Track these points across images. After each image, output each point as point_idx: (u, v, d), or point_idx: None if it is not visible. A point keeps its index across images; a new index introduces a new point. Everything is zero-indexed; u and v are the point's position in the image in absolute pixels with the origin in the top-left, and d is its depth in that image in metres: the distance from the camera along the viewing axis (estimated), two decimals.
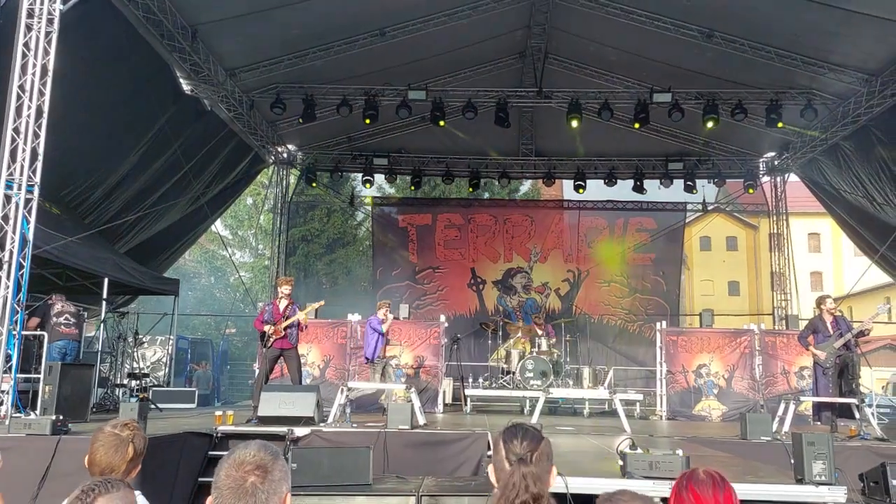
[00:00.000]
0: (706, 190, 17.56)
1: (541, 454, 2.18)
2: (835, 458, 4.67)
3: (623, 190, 17.47)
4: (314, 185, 17.56)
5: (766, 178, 17.18)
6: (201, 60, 11.45)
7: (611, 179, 16.88)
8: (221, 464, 1.65)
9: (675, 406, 12.11)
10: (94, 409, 9.30)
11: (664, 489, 3.59)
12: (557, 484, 4.68)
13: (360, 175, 17.51)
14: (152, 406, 10.56)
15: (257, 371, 10.29)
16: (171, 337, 14.21)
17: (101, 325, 11.44)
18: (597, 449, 6.99)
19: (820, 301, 9.48)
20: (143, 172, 11.81)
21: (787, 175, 16.88)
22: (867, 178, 12.97)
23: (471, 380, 13.35)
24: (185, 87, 11.90)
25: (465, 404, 12.22)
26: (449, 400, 12.96)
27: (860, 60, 11.59)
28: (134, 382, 12.12)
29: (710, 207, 18.86)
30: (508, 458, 2.17)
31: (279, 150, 16.54)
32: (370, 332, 10.29)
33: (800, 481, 4.52)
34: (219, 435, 7.68)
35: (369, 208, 19.47)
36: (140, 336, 13.30)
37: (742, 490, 4.29)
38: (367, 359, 10.35)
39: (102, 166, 11.07)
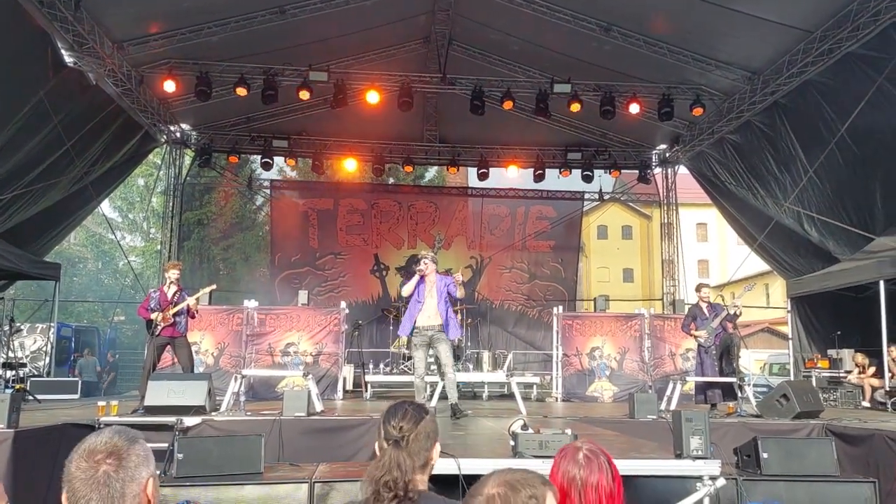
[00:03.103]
0: (603, 180, 18.16)
1: (418, 434, 2.17)
2: (712, 434, 4.92)
3: (525, 179, 17.83)
4: (210, 166, 16.89)
5: (658, 170, 17.89)
6: (86, 31, 10.69)
7: (513, 168, 17.15)
8: (72, 455, 1.53)
9: (569, 388, 12.52)
10: None
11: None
12: (450, 466, 4.70)
13: (259, 157, 16.96)
14: (30, 397, 9.95)
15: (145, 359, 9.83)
16: (52, 325, 13.38)
17: None
18: (492, 431, 7.09)
19: (696, 290, 10.20)
20: (19, 149, 10.89)
21: (677, 167, 17.65)
22: (750, 170, 13.74)
23: (371, 366, 13.30)
24: (68, 58, 11.09)
25: (366, 391, 12.18)
26: (350, 386, 12.88)
27: (745, 59, 12.23)
28: (9, 373, 11.34)
29: (606, 197, 19.52)
30: (387, 439, 2.17)
31: (172, 128, 15.73)
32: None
33: (678, 456, 4.74)
34: (101, 426, 7.29)
35: (269, 192, 18.92)
36: (17, 323, 12.46)
37: (626, 466, 4.45)
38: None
39: None
